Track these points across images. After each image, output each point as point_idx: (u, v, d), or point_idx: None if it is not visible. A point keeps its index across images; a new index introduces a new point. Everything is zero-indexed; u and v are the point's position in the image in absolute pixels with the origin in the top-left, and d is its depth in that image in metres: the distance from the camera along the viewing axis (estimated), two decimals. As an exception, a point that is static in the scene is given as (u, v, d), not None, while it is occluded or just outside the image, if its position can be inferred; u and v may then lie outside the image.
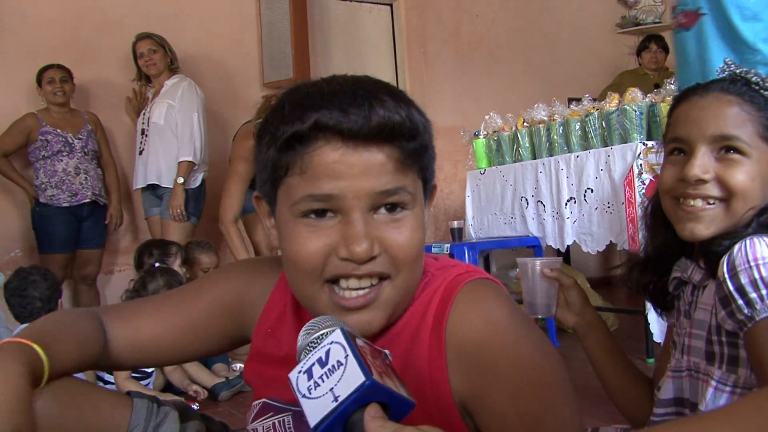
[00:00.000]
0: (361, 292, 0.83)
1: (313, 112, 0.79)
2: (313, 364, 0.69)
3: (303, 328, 0.76)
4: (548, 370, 0.85)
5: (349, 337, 0.70)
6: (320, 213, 0.82)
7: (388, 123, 0.79)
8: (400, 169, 0.82)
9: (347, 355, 0.68)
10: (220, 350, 1.10)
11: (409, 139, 0.82)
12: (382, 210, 0.83)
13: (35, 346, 0.81)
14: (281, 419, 0.94)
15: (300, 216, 0.83)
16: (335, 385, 0.66)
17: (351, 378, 0.66)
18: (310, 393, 0.68)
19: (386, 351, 0.74)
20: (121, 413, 0.90)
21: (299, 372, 0.70)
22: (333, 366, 0.68)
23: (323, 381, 0.68)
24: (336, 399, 0.66)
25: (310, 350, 0.72)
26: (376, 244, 0.81)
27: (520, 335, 0.85)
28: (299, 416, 0.91)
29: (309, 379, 0.69)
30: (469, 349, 0.83)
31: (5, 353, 0.78)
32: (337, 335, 0.70)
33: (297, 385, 0.70)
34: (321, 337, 0.72)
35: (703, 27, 1.78)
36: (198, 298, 1.05)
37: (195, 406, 2.74)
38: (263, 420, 0.96)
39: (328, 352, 0.69)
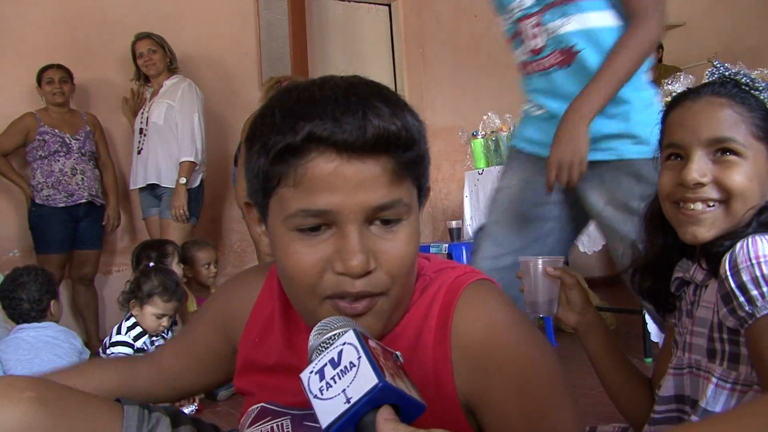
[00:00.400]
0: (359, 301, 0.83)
1: (305, 122, 0.77)
2: (325, 365, 0.69)
3: (315, 328, 0.75)
4: (550, 370, 0.86)
5: (362, 338, 0.70)
6: (316, 227, 0.80)
7: (384, 134, 0.77)
8: (396, 181, 0.80)
9: (360, 357, 0.67)
10: (229, 375, 1.12)
11: (405, 150, 0.80)
12: (378, 222, 0.81)
13: None
14: (279, 423, 0.93)
15: (294, 230, 0.81)
16: (348, 386, 0.66)
17: (364, 380, 0.66)
18: (321, 394, 0.68)
19: (397, 352, 0.74)
20: (112, 420, 0.89)
21: (311, 372, 0.70)
22: (345, 367, 0.67)
23: (335, 382, 0.67)
24: (348, 400, 0.65)
25: (322, 350, 0.71)
26: (371, 258, 0.80)
27: (523, 336, 0.86)
28: (298, 420, 0.91)
29: (321, 380, 0.68)
30: (475, 350, 0.84)
31: None
32: (350, 336, 0.70)
33: (309, 385, 0.69)
34: (333, 338, 0.72)
35: (584, 62, 1.77)
36: (197, 323, 1.12)
37: (195, 405, 2.74)
38: (261, 424, 0.95)
39: (340, 353, 0.69)
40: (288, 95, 0.83)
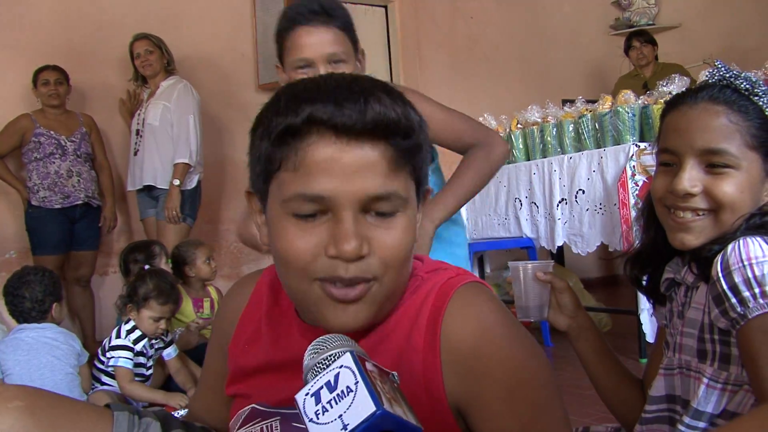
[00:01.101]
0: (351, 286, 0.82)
1: (307, 105, 0.79)
2: (321, 388, 0.68)
3: (310, 346, 0.75)
4: (540, 372, 0.86)
5: (359, 361, 0.68)
6: (312, 212, 0.81)
7: (384, 119, 0.79)
8: (393, 170, 0.81)
9: (357, 382, 0.66)
10: None
11: (404, 137, 0.81)
12: (373, 212, 0.82)
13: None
14: (269, 424, 0.93)
15: (290, 214, 0.82)
16: (344, 412, 0.65)
17: (361, 407, 0.64)
18: (317, 418, 0.66)
19: (394, 372, 0.73)
20: (102, 428, 0.89)
21: (306, 394, 0.69)
22: (342, 392, 0.66)
23: (332, 407, 0.66)
24: (345, 427, 0.64)
25: (318, 372, 0.70)
26: (365, 244, 0.80)
27: (513, 339, 0.86)
28: (286, 420, 0.91)
29: (317, 403, 0.67)
30: (465, 354, 0.83)
31: None
32: (347, 359, 0.69)
33: (304, 408, 0.68)
34: (329, 359, 0.71)
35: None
36: (208, 354, 1.13)
37: (186, 410, 2.74)
38: (251, 426, 0.95)
39: (337, 377, 0.68)
40: (295, 85, 0.85)
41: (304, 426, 0.89)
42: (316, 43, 1.62)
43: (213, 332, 1.14)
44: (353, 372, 0.67)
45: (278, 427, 0.92)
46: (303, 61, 1.63)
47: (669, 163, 1.13)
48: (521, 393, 0.83)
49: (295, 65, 1.65)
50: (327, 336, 0.75)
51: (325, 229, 0.81)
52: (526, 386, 0.84)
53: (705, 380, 1.06)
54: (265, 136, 0.83)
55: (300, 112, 0.79)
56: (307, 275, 0.82)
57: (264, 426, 0.93)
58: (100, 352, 2.84)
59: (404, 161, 0.83)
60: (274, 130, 0.81)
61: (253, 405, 0.97)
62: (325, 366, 0.70)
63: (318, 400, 0.67)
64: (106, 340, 2.84)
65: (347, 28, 1.70)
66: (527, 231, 3.74)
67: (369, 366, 0.70)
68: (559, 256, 4.54)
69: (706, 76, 1.15)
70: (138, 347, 2.77)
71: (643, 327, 3.09)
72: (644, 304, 3.05)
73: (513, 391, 0.83)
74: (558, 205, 3.51)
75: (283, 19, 1.68)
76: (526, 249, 3.78)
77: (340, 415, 0.65)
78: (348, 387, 0.66)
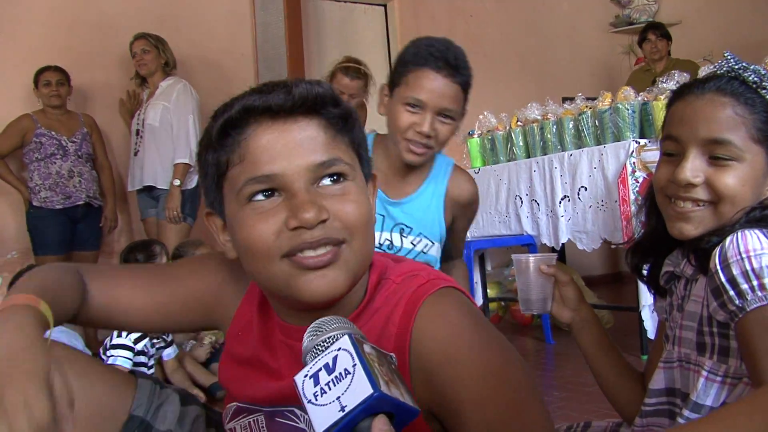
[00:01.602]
0: (321, 252, 0.84)
1: (239, 100, 0.86)
2: (320, 370, 0.69)
3: (309, 328, 0.75)
4: (513, 377, 0.85)
5: (357, 343, 0.69)
6: (265, 194, 0.84)
7: (311, 93, 0.85)
8: (332, 139, 0.87)
9: (355, 365, 0.67)
10: (187, 332, 1.15)
11: (334, 105, 0.87)
12: (326, 181, 0.86)
13: (42, 307, 0.86)
14: (255, 419, 0.97)
15: (246, 202, 0.85)
16: (342, 394, 0.66)
17: (359, 389, 0.65)
18: (316, 399, 0.67)
19: (392, 354, 0.74)
20: (126, 391, 0.95)
21: (305, 376, 0.70)
22: (340, 374, 0.67)
23: (330, 389, 0.67)
24: (343, 409, 0.65)
25: (317, 354, 0.71)
26: (323, 210, 0.83)
27: (484, 345, 0.85)
28: (269, 416, 0.94)
29: (315, 385, 0.68)
30: (434, 362, 0.84)
31: (21, 313, 0.83)
32: (345, 342, 0.69)
33: (303, 389, 0.69)
34: (328, 341, 0.71)
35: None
36: (177, 284, 1.07)
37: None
38: (239, 419, 0.99)
39: (335, 359, 0.68)
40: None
41: (285, 422, 0.90)
42: (437, 92, 1.66)
43: (196, 276, 1.08)
44: (351, 354, 0.68)
45: (263, 422, 0.95)
46: (417, 101, 1.66)
47: (672, 152, 1.13)
48: (493, 399, 0.82)
49: (406, 100, 1.67)
50: (325, 318, 0.76)
51: (282, 208, 0.84)
52: (499, 392, 0.83)
53: (704, 373, 1.06)
54: (210, 145, 0.89)
55: (234, 106, 0.85)
56: (272, 255, 0.84)
57: (251, 420, 0.97)
58: (101, 351, 2.85)
59: (341, 130, 0.88)
60: (216, 131, 0.87)
61: (237, 403, 1.01)
62: (323, 348, 0.71)
63: (317, 382, 0.68)
64: (107, 339, 2.84)
65: (467, 89, 1.74)
66: (528, 228, 3.74)
67: (367, 348, 0.70)
68: (561, 253, 4.54)
69: (715, 67, 1.14)
70: (139, 347, 2.78)
71: (645, 324, 3.09)
72: (645, 300, 3.05)
73: (485, 397, 0.82)
74: (561, 203, 3.51)
75: (413, 51, 1.69)
76: (527, 246, 3.78)
77: (338, 397, 0.66)
78: (346, 369, 0.67)
